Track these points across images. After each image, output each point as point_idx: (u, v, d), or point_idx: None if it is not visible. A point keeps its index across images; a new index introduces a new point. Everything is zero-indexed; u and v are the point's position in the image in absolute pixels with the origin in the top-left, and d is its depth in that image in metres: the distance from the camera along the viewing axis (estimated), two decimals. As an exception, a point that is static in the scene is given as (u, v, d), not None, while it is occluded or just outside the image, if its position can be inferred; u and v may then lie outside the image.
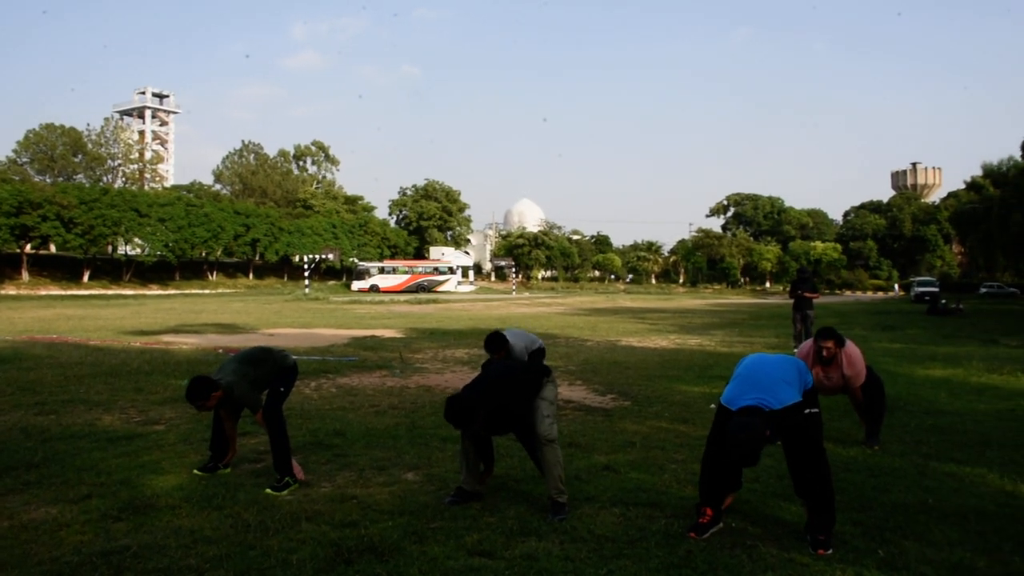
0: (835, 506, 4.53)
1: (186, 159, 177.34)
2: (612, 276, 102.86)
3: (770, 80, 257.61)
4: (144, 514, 4.84)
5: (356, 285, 69.25)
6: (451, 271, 73.66)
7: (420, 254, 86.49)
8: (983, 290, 68.28)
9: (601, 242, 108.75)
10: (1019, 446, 7.03)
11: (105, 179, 73.07)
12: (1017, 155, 47.68)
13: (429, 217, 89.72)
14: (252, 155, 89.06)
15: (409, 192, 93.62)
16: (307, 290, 57.08)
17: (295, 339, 17.80)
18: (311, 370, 11.61)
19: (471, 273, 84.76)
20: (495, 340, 6.81)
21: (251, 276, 72.92)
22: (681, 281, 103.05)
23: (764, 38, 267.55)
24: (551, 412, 5.10)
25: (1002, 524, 4.81)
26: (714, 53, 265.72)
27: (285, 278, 74.74)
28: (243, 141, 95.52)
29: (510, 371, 5.40)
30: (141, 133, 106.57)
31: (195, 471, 5.84)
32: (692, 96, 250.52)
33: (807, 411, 4.48)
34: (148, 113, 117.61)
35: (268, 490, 5.36)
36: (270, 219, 70.69)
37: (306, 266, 62.55)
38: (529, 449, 5.16)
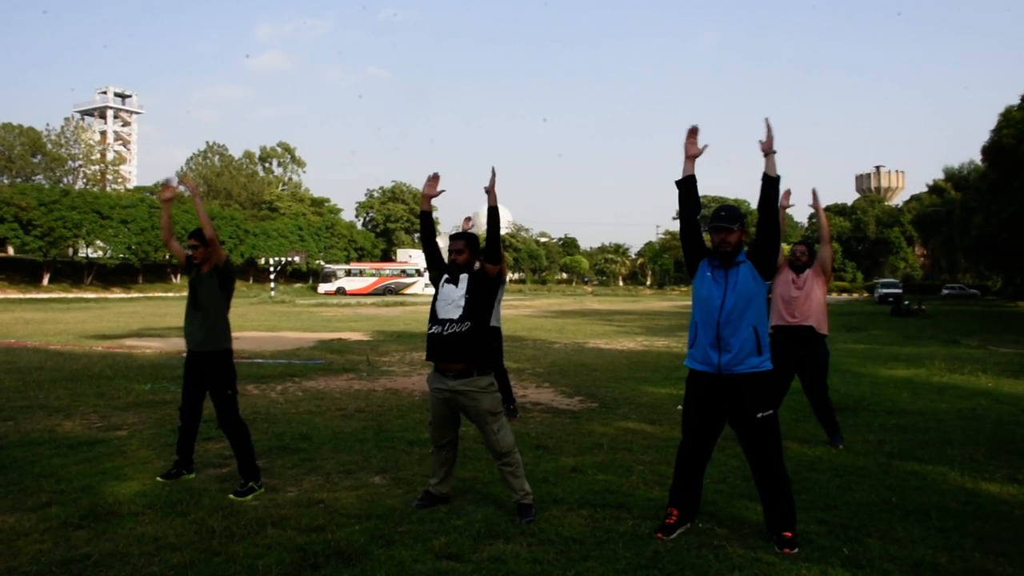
0: (793, 502, 4.58)
1: (149, 160, 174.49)
2: (584, 279, 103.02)
3: (736, 84, 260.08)
4: (106, 521, 4.76)
5: (322, 288, 68.84)
6: (419, 273, 73.40)
7: (387, 256, 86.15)
8: (945, 291, 69.34)
9: (569, 244, 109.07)
10: (979, 444, 7.15)
11: (65, 180, 72.00)
12: (978, 159, 48.58)
13: (396, 219, 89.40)
14: (217, 156, 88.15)
15: (376, 194, 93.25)
16: (273, 293, 56.65)
17: (261, 342, 17.65)
18: (277, 373, 11.53)
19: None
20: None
21: (216, 279, 72.12)
22: (648, 283, 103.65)
23: (731, 42, 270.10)
24: (499, 423, 5.03)
25: (963, 521, 4.89)
26: (682, 57, 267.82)
27: (251, 281, 74.05)
28: (208, 142, 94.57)
29: None
30: (103, 133, 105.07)
31: (158, 477, 5.75)
32: (659, 98, 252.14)
33: (760, 415, 4.50)
34: (110, 113, 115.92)
35: (231, 496, 5.30)
36: (235, 221, 70.00)
37: (272, 269, 62.03)
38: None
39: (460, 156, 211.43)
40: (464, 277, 5.02)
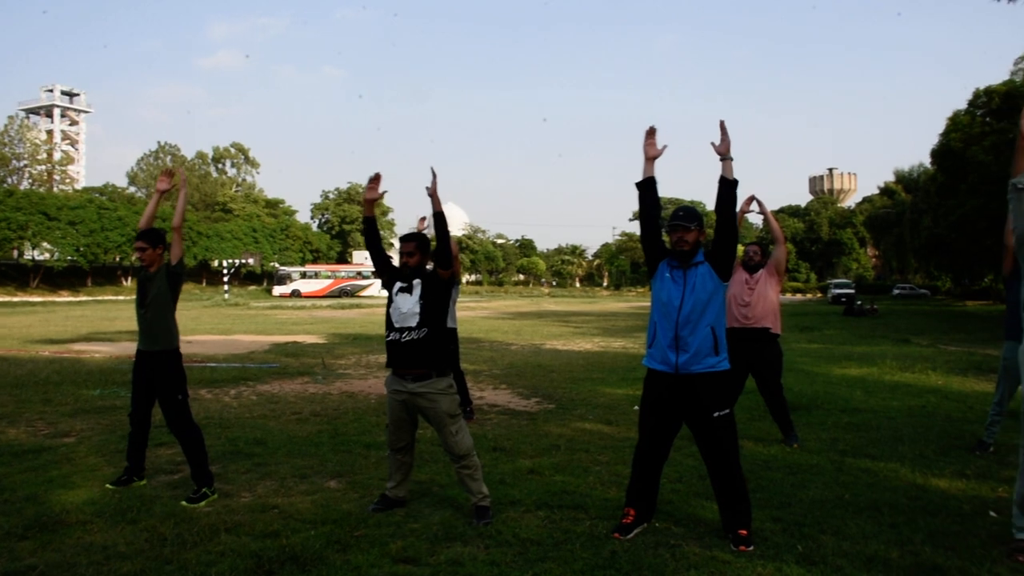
0: (749, 501, 4.63)
1: (98, 160, 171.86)
2: (542, 281, 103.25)
3: (692, 84, 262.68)
4: (52, 531, 4.64)
5: (277, 290, 68.22)
6: (375, 275, 73.09)
7: (343, 258, 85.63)
8: (896, 291, 70.53)
9: (526, 246, 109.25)
10: (929, 441, 7.28)
11: (10, 180, 70.27)
12: (927, 162, 49.66)
13: (352, 221, 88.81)
14: (168, 157, 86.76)
15: (332, 195, 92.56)
16: (227, 295, 55.92)
17: (214, 346, 17.41)
18: (230, 377, 11.37)
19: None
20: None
21: (168, 281, 71.09)
22: (605, 284, 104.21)
23: (689, 44, 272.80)
24: (457, 425, 5.02)
25: (913, 516, 4.97)
26: (639, 58, 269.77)
27: (204, 283, 73.10)
28: (159, 142, 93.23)
29: None
30: (49, 132, 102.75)
31: (108, 485, 5.62)
32: (615, 99, 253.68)
33: (716, 414, 4.54)
34: (57, 112, 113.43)
35: (184, 502, 5.21)
36: (187, 223, 68.92)
37: (225, 271, 61.28)
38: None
39: (418, 157, 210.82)
40: (417, 283, 4.99)
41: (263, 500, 5.32)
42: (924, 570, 4.06)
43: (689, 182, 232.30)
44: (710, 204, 4.81)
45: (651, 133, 4.78)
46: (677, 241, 4.63)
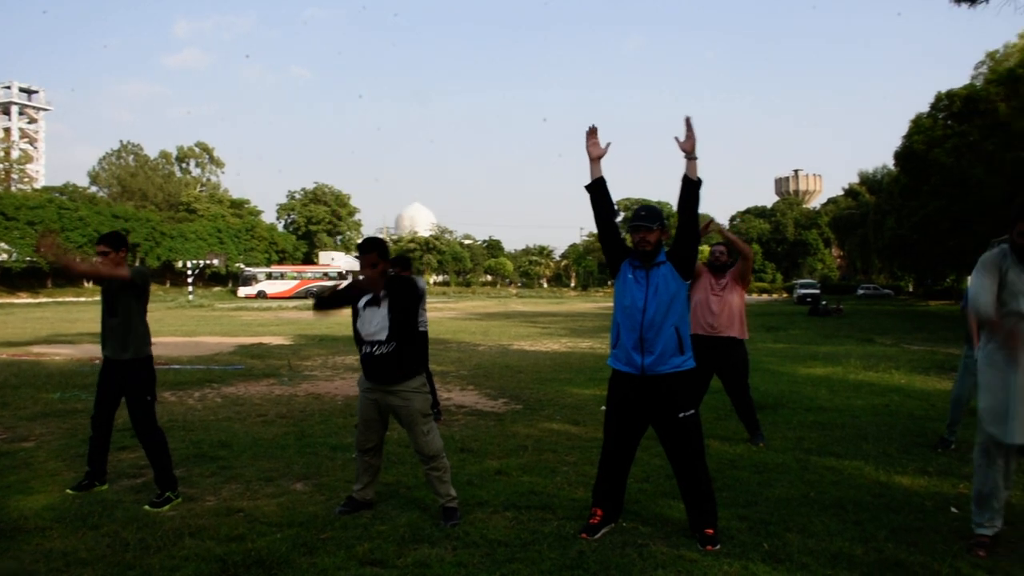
0: (715, 500, 4.66)
1: (59, 159, 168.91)
2: (509, 282, 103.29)
3: (659, 86, 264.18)
4: (10, 538, 4.54)
5: (243, 291, 67.54)
6: (341, 276, 72.61)
7: (309, 259, 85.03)
8: (860, 291, 71.38)
9: (493, 247, 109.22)
10: (893, 439, 7.38)
11: (-34, 180, 69.04)
12: (891, 164, 50.43)
13: (318, 221, 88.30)
14: (131, 156, 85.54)
15: (298, 196, 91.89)
16: (191, 297, 55.29)
17: (178, 348, 17.21)
18: (195, 379, 11.24)
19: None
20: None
21: (131, 283, 70.17)
22: (573, 285, 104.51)
23: (656, 46, 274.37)
24: (429, 426, 5.00)
25: (877, 513, 5.04)
26: (606, 59, 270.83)
27: (167, 284, 72.18)
28: (121, 141, 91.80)
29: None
30: (7, 130, 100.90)
31: (68, 490, 5.52)
32: (583, 99, 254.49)
33: (682, 414, 4.56)
34: (15, 109, 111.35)
35: (147, 507, 5.14)
36: (151, 223, 68.24)
37: (190, 272, 60.53)
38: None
39: (386, 158, 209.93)
40: (386, 298, 4.93)
41: (228, 503, 5.26)
42: (887, 566, 4.11)
43: (654, 183, 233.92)
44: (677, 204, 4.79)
45: (592, 133, 4.72)
46: (639, 241, 4.60)
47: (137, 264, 5.46)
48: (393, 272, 5.08)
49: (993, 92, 33.40)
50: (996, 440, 4.38)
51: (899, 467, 6.27)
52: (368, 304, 4.96)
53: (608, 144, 4.73)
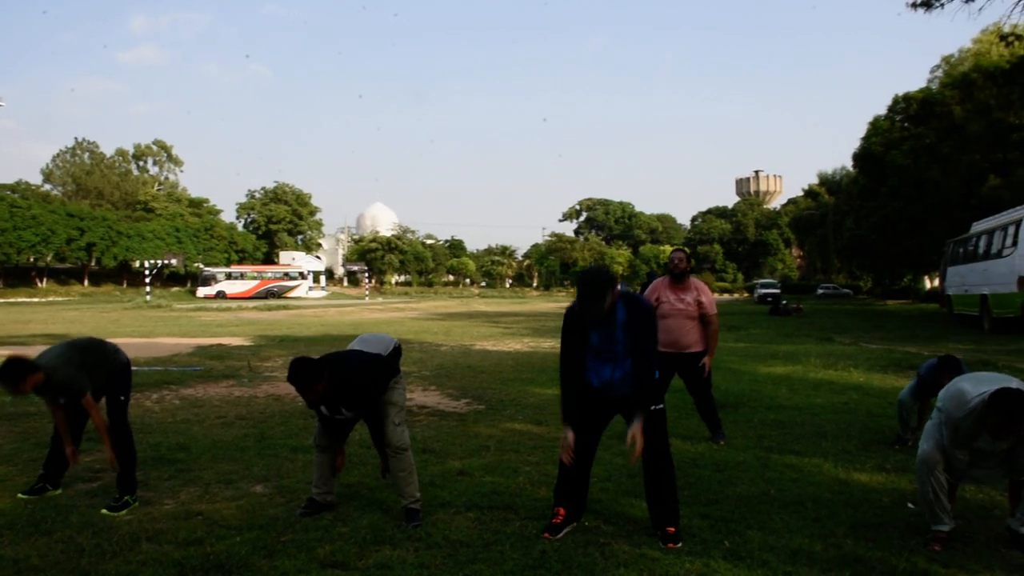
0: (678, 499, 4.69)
1: (10, 156, 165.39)
2: (471, 281, 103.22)
3: (621, 87, 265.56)
4: (-40, 543, 4.44)
5: (202, 291, 66.84)
6: (302, 276, 72.14)
7: (269, 259, 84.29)
8: (820, 291, 72.13)
9: (455, 246, 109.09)
10: (851, 436, 7.47)
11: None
12: (849, 165, 51.23)
13: (279, 221, 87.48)
14: (87, 154, 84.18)
15: (258, 195, 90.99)
16: (148, 297, 54.50)
17: (135, 349, 16.89)
18: (152, 381, 11.07)
19: (323, 278, 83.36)
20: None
21: (86, 283, 69.13)
22: (535, 285, 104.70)
23: (617, 47, 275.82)
24: (401, 419, 5.02)
25: (836, 510, 5.09)
26: (568, 61, 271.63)
27: (124, 285, 71.21)
28: (76, 138, 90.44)
29: (359, 353, 5.22)
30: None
31: (20, 495, 5.40)
32: (545, 99, 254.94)
33: (652, 408, 4.59)
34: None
35: (104, 511, 5.04)
36: (107, 222, 67.18)
37: (147, 272, 59.62)
38: (383, 455, 5.05)
39: (350, 157, 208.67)
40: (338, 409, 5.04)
41: (186, 507, 5.18)
42: (847, 561, 4.15)
43: (614, 182, 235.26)
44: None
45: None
46: (591, 318, 4.49)
47: (60, 376, 5.16)
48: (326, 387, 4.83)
49: (948, 96, 34.07)
50: (940, 454, 4.45)
51: (858, 464, 6.35)
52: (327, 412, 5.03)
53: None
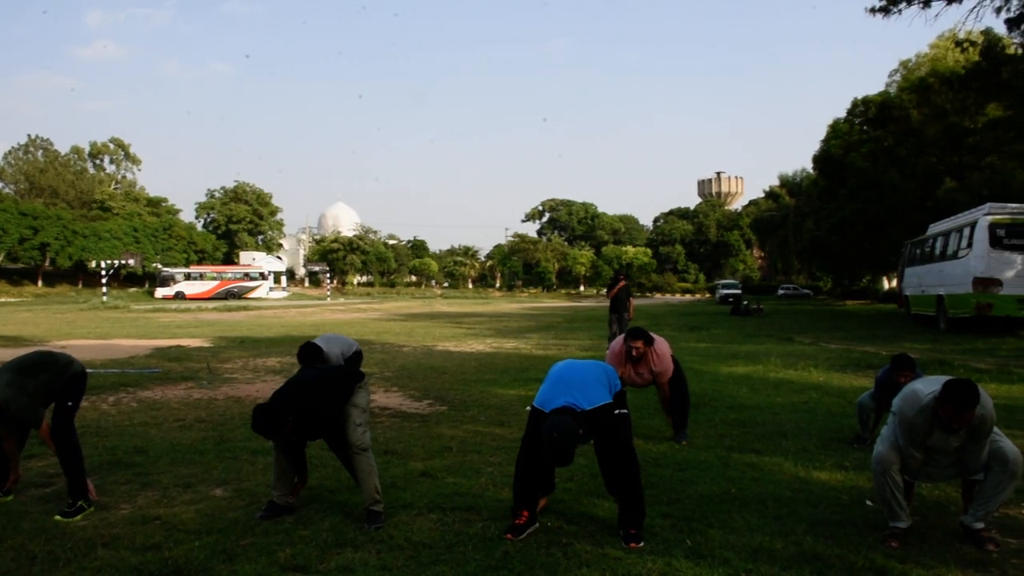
0: (644, 500, 4.70)
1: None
2: (434, 282, 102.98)
3: (584, 88, 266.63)
4: (-92, 552, 4.33)
5: (160, 292, 65.93)
6: (263, 277, 71.42)
7: (229, 259, 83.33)
8: (780, 292, 72.69)
9: (418, 247, 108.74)
10: (811, 435, 7.56)
11: None
12: (809, 167, 51.92)
13: (239, 220, 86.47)
14: (40, 151, 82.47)
15: (218, 194, 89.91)
16: (104, 298, 53.62)
17: (91, 351, 16.65)
18: (109, 384, 10.90)
19: (284, 279, 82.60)
20: (308, 351, 6.69)
21: (40, 283, 67.79)
22: (498, 285, 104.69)
23: (580, 48, 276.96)
24: (363, 420, 5.00)
25: (796, 508, 5.15)
26: (531, 62, 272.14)
27: (80, 285, 69.95)
28: (29, 135, 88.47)
29: (319, 374, 5.27)
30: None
31: (-31, 501, 5.29)
32: (508, 101, 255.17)
33: (616, 412, 4.62)
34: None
35: (58, 517, 4.94)
36: (62, 221, 65.95)
37: (104, 272, 58.64)
38: (343, 458, 5.03)
39: (307, 156, 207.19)
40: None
41: (144, 511, 5.11)
42: (806, 559, 4.20)
43: (577, 184, 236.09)
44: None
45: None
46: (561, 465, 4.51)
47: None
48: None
49: (906, 99, 34.66)
50: (896, 454, 4.52)
51: (817, 463, 6.42)
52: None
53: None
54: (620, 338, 7.40)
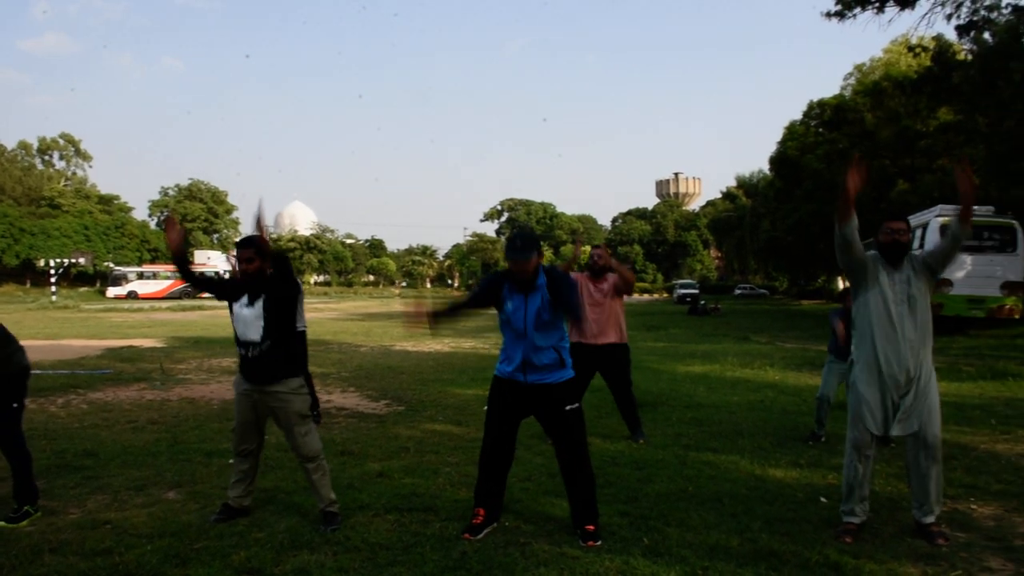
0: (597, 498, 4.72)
1: None
2: (392, 281, 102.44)
3: (543, 88, 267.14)
4: None
5: (112, 291, 64.70)
6: (218, 276, 70.53)
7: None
8: (737, 291, 73.42)
9: (375, 246, 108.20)
10: (767, 433, 7.65)
11: None
12: (766, 168, 52.59)
13: (193, 219, 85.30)
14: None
15: (172, 192, 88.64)
16: (54, 297, 52.54)
17: (40, 351, 16.27)
18: (58, 385, 10.67)
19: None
20: None
21: (-14, 282, 66.28)
22: (456, 285, 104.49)
23: (538, 48, 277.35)
24: (307, 426, 4.91)
25: (752, 505, 5.19)
26: (489, 62, 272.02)
27: (28, 284, 68.49)
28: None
29: None
30: None
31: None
32: (465, 100, 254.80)
33: (568, 408, 4.63)
34: None
35: (2, 523, 4.81)
36: (8, 218, 64.58)
37: (53, 271, 57.42)
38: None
39: (261, 154, 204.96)
40: (261, 297, 4.81)
41: (94, 516, 4.99)
42: (762, 555, 4.23)
43: (535, 183, 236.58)
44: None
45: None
46: (518, 271, 4.58)
47: None
48: (270, 272, 4.93)
49: (860, 103, 35.23)
50: (868, 435, 4.65)
51: (773, 460, 6.49)
52: (245, 306, 4.81)
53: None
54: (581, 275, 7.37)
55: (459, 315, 4.83)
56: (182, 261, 5.17)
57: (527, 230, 5.50)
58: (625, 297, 7.42)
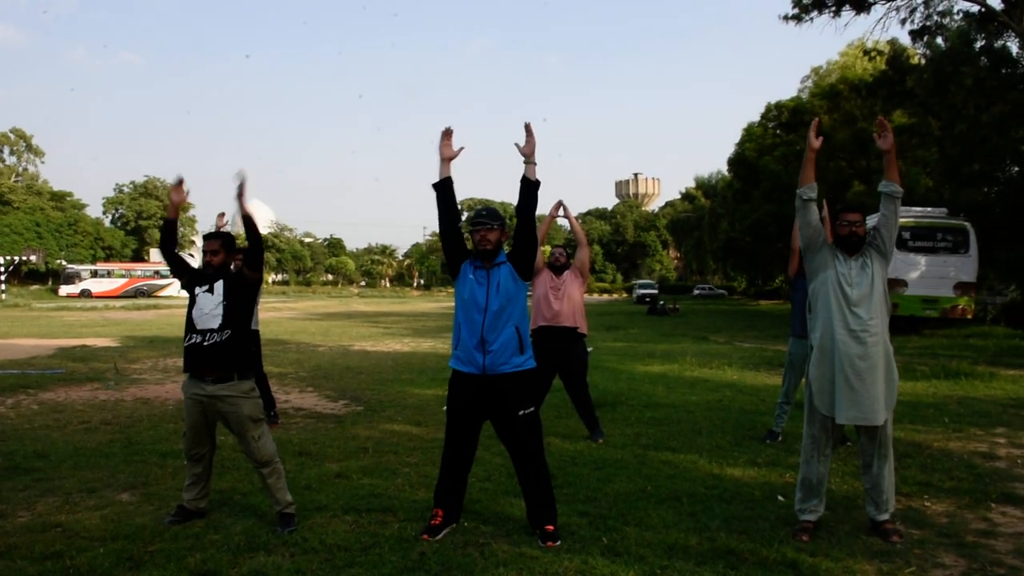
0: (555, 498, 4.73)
1: None
2: (351, 281, 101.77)
3: (503, 88, 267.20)
4: None
5: (64, 290, 63.50)
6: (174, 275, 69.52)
7: (139, 256, 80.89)
8: (696, 292, 73.86)
9: (334, 245, 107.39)
10: (725, 432, 7.70)
11: None
12: (725, 169, 53.13)
13: (149, 216, 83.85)
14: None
15: (127, 189, 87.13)
16: (4, 296, 51.45)
17: (-11, 351, 15.96)
18: (7, 386, 10.44)
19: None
20: None
21: (-67, 281, 64.69)
22: (415, 284, 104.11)
23: (500, 49, 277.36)
24: (260, 430, 4.84)
25: (710, 504, 5.23)
26: (452, 61, 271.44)
27: (-23, 283, 66.99)
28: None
29: None
30: None
31: None
32: (425, 100, 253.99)
33: (522, 412, 4.61)
34: None
35: (-51, 525, 4.70)
36: (-44, 216, 63.06)
37: (2, 269, 56.21)
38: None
39: (226, 151, 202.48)
40: (220, 283, 4.77)
41: (44, 518, 4.88)
42: (720, 554, 4.26)
43: (496, 184, 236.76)
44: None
45: (447, 134, 4.76)
46: (480, 240, 4.63)
47: None
48: (235, 267, 4.91)
49: (817, 105, 35.65)
50: (825, 433, 4.72)
51: (731, 459, 6.54)
52: (206, 291, 4.78)
53: (461, 148, 4.76)
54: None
55: (451, 196, 4.76)
56: (172, 228, 5.19)
57: (491, 208, 5.58)
58: (585, 296, 7.48)
